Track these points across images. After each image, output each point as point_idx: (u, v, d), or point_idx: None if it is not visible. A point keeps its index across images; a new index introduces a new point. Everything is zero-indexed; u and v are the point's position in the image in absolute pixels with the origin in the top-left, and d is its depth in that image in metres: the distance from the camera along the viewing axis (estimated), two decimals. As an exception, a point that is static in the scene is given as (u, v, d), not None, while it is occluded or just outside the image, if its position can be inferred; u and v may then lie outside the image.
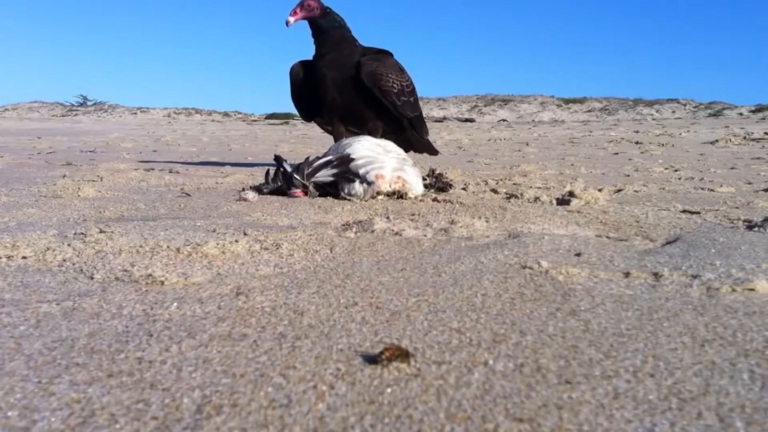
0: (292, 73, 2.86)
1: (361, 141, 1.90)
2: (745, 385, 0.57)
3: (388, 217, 1.45)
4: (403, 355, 0.61)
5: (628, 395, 0.55)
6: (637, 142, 5.90)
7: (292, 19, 2.65)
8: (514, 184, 2.26)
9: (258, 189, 1.86)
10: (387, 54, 2.79)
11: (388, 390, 0.55)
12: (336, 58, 2.66)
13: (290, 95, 2.93)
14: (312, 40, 2.73)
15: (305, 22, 2.71)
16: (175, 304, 0.80)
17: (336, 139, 2.63)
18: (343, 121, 2.80)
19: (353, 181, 1.78)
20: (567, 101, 19.05)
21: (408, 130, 2.85)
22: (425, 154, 3.25)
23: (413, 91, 2.81)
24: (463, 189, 2.06)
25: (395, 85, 2.68)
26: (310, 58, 2.80)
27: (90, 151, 4.47)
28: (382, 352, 0.61)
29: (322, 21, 2.67)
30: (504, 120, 16.48)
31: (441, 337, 0.69)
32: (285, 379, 0.58)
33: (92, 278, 0.92)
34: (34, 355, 0.63)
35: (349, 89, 2.68)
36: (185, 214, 1.50)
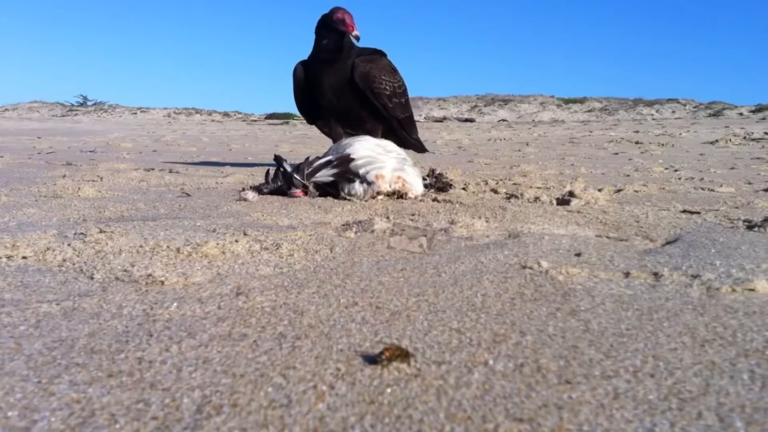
0: (296, 74, 2.83)
1: (361, 141, 1.90)
2: (745, 385, 0.57)
3: (388, 217, 1.45)
4: (403, 355, 0.61)
5: (628, 395, 0.55)
6: (637, 142, 5.90)
7: (358, 32, 2.59)
8: (514, 184, 2.26)
9: (258, 189, 1.86)
10: (381, 54, 2.79)
11: (388, 390, 0.55)
12: (332, 60, 2.65)
13: (293, 97, 2.92)
14: (311, 40, 2.72)
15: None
16: (175, 304, 0.80)
17: (334, 142, 2.63)
18: (340, 122, 2.80)
19: (353, 181, 1.78)
20: (567, 101, 19.04)
21: (398, 131, 2.86)
22: (425, 154, 3.25)
23: (404, 92, 2.83)
24: (463, 189, 2.06)
25: (387, 87, 2.69)
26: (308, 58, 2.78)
27: (90, 151, 4.47)
28: (382, 352, 0.61)
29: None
30: (504, 120, 16.48)
31: (441, 337, 0.69)
32: (285, 379, 0.58)
33: (92, 278, 0.92)
34: (34, 355, 0.63)
35: (345, 91, 2.68)
36: (185, 214, 1.50)
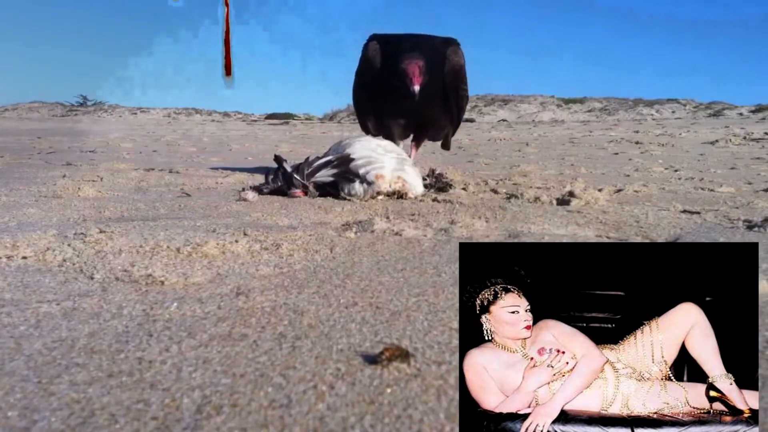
0: (369, 56, 2.21)
1: (361, 141, 1.90)
2: (745, 385, 0.57)
3: (388, 217, 1.45)
4: (403, 355, 0.61)
5: (628, 395, 0.55)
6: (637, 142, 5.90)
7: (417, 87, 2.02)
8: (514, 184, 2.26)
9: (258, 189, 1.86)
10: (458, 44, 2.29)
11: (388, 390, 0.55)
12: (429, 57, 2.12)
13: (355, 83, 2.35)
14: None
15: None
16: (175, 304, 0.80)
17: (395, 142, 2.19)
18: (410, 127, 2.36)
19: (353, 181, 1.78)
20: (567, 101, 19.03)
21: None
22: (425, 155, 3.24)
23: None
24: (463, 189, 2.06)
25: (467, 89, 2.29)
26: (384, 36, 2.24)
27: (90, 151, 4.46)
28: (382, 352, 0.61)
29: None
30: (504, 120, 16.47)
31: (441, 337, 0.69)
32: (285, 379, 0.58)
33: (92, 278, 0.92)
34: (34, 355, 0.63)
35: (433, 91, 2.17)
36: (185, 214, 1.50)
